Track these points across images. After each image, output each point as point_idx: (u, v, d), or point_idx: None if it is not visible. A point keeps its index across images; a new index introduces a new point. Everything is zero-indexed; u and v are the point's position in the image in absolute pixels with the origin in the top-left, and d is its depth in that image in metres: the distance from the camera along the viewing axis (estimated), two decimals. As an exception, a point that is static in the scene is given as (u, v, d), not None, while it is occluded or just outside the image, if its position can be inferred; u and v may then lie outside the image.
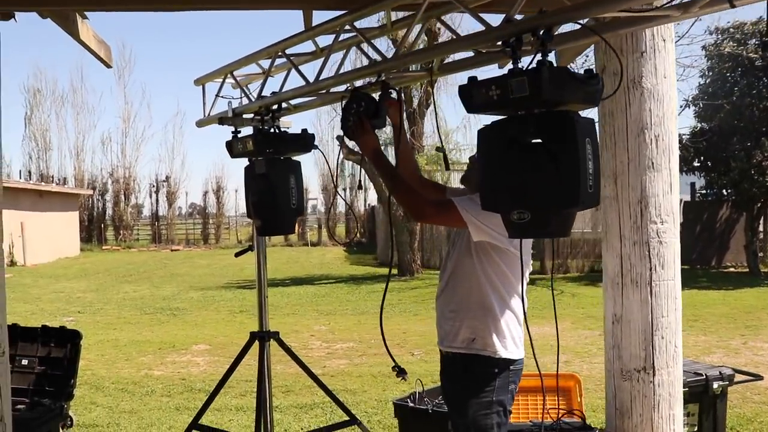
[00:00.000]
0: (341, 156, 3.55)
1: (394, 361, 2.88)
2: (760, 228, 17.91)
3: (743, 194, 15.12)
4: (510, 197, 2.22)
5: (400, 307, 12.09)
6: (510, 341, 2.78)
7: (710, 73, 16.31)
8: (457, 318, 2.81)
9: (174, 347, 8.74)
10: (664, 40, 3.33)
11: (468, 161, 2.94)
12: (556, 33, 2.28)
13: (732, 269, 17.96)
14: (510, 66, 2.24)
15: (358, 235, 31.42)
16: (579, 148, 2.08)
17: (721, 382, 4.23)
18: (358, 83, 3.18)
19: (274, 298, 13.58)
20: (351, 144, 3.14)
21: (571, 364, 7.57)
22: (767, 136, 15.41)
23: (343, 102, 2.89)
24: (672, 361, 3.33)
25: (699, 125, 16.98)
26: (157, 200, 34.17)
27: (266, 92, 3.54)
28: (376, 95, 2.85)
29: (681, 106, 16.49)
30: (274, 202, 3.42)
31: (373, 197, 28.41)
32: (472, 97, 2.24)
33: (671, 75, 3.38)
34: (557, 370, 2.93)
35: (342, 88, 3.37)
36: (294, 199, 3.41)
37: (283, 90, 3.45)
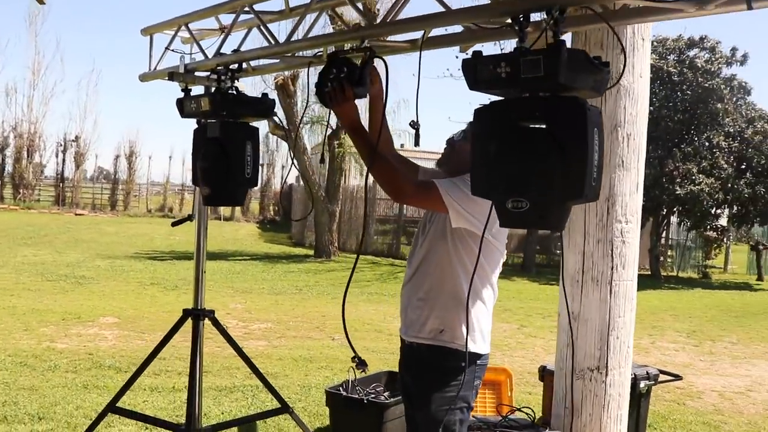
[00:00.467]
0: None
1: (354, 351, 2.69)
2: (663, 234, 18.83)
3: (653, 200, 15.77)
4: (507, 184, 2.07)
5: (317, 290, 11.88)
6: (479, 334, 2.65)
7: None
8: (426, 307, 2.65)
9: (80, 318, 8.17)
10: (643, 39, 3.28)
11: (445, 144, 2.78)
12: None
13: (635, 272, 18.77)
14: (500, 48, 2.10)
15: (272, 212, 30.85)
16: (588, 138, 1.96)
17: (647, 381, 4.29)
18: (332, 49, 2.96)
19: (188, 272, 13.07)
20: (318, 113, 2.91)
21: (491, 357, 7.58)
22: (679, 147, 16.13)
23: (315, 71, 2.66)
24: (624, 361, 3.32)
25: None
26: (63, 160, 32.16)
27: (224, 50, 3.26)
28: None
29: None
30: (226, 169, 3.14)
31: (293, 174, 27.94)
32: (477, 72, 2.08)
33: (646, 75, 3.34)
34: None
35: (311, 53, 3.14)
36: (249, 168, 3.14)
37: (245, 49, 3.19)
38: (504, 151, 2.07)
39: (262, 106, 3.24)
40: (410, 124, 2.56)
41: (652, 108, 16.19)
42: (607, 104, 3.24)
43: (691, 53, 16.70)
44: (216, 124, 3.18)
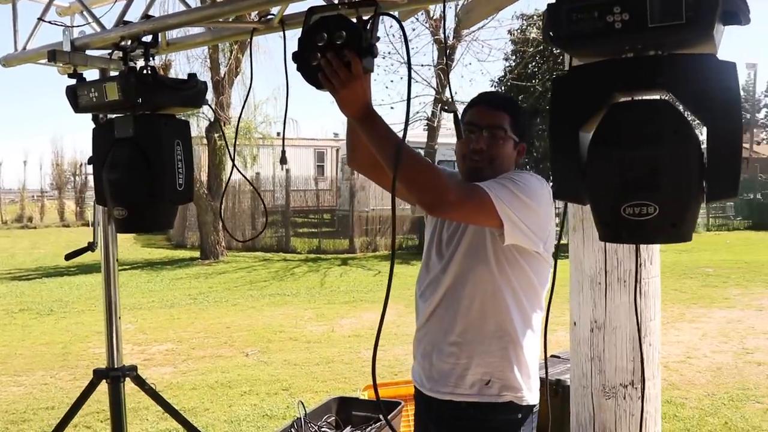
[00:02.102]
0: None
1: (379, 406, 1.97)
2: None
3: (543, 173, 15.87)
4: (627, 183, 1.43)
5: (214, 297, 10.83)
6: (534, 378, 2.00)
7: (514, 57, 16.89)
8: (463, 353, 1.96)
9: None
10: None
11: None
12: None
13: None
14: None
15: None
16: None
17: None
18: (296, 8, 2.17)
19: (61, 291, 11.56)
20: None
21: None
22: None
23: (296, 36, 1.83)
24: (657, 370, 2.80)
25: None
26: None
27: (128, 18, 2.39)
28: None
29: (490, 87, 16.95)
30: (148, 180, 2.28)
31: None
32: (570, 22, 1.42)
33: None
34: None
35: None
36: (180, 177, 2.30)
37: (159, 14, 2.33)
38: (624, 138, 1.43)
39: (191, 92, 2.39)
40: (444, 108, 1.84)
41: (535, 82, 16.32)
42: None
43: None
44: (128, 119, 2.32)
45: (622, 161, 1.42)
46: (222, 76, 14.50)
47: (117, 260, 2.79)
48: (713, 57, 1.40)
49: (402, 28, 1.79)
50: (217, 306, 10.03)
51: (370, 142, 1.75)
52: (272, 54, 16.15)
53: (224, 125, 14.60)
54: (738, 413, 4.91)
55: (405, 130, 1.65)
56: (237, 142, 15.34)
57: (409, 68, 1.84)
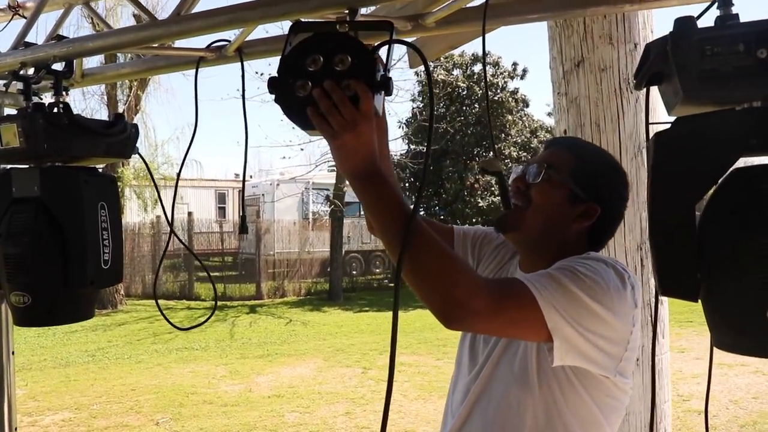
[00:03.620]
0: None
1: None
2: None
3: (456, 214, 15.81)
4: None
5: (114, 353, 9.84)
6: None
7: (421, 98, 16.89)
8: None
9: None
10: (652, 32, 2.45)
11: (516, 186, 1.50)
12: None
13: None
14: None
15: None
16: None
17: None
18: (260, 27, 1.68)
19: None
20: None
21: (353, 415, 6.51)
22: (475, 159, 16.42)
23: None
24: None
25: (413, 148, 17.44)
26: None
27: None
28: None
29: (398, 128, 16.88)
30: (61, 258, 1.71)
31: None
32: (701, 58, 1.03)
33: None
34: None
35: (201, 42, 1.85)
36: (107, 252, 1.74)
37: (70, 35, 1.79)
38: (755, 213, 1.04)
39: (118, 138, 1.84)
40: (483, 169, 1.40)
41: (443, 123, 16.34)
42: (626, 120, 2.35)
43: (476, 68, 17.12)
44: (32, 173, 1.73)
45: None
46: (121, 114, 13.57)
47: (13, 354, 2.16)
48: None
49: (425, 62, 1.32)
50: (119, 364, 9.07)
51: (370, 210, 1.25)
52: (175, 92, 15.40)
53: (123, 166, 13.64)
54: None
55: (416, 208, 1.18)
56: (136, 183, 14.42)
57: (431, 115, 1.38)
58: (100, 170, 1.84)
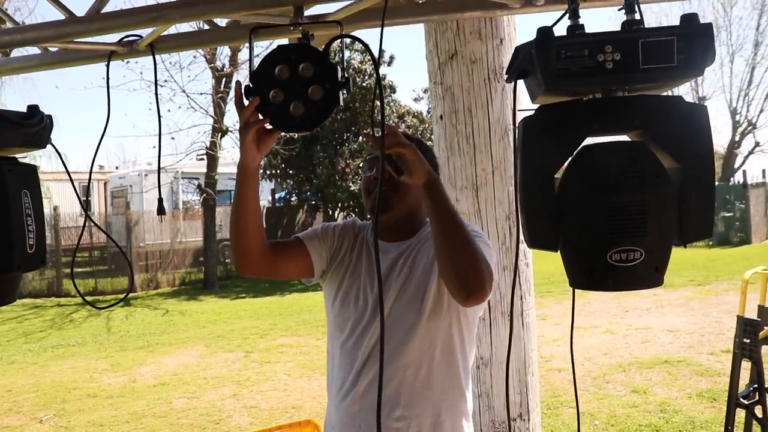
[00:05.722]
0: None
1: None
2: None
3: (329, 198, 16.08)
4: (613, 228, 1.39)
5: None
6: None
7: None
8: (414, 424, 1.74)
9: None
10: (515, 29, 2.81)
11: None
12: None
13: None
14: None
15: None
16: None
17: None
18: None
19: None
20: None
21: (241, 396, 6.65)
22: (345, 144, 16.74)
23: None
24: (538, 399, 2.84)
25: (283, 134, 17.44)
26: None
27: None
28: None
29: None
30: (-13, 241, 1.79)
31: None
32: (559, 60, 1.35)
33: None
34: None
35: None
36: (31, 237, 1.84)
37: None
38: (611, 182, 1.37)
39: (35, 129, 1.93)
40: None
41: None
42: (494, 104, 2.70)
43: (346, 54, 17.36)
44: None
45: (609, 206, 1.37)
46: (35, 105, 12.61)
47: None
48: (682, 99, 1.41)
49: (371, 53, 1.61)
50: (-15, 365, 8.61)
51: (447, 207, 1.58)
52: (34, 81, 14.50)
53: None
54: (559, 420, 5.26)
55: (381, 169, 1.44)
56: None
57: (382, 101, 1.63)
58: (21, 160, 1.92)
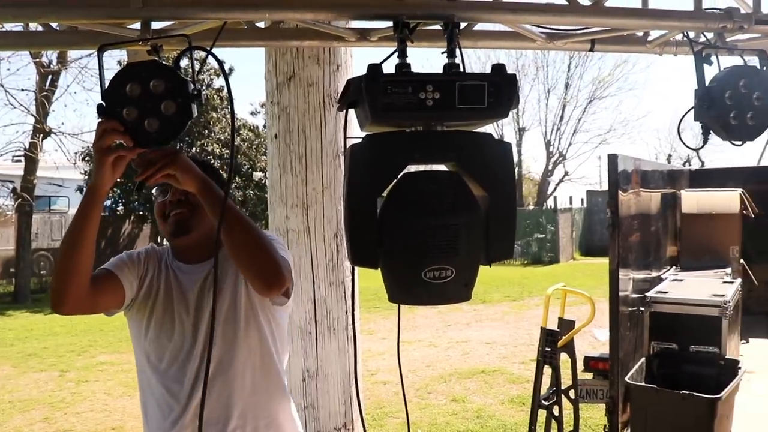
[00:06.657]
0: None
1: None
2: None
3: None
4: (427, 249, 1.54)
5: None
6: None
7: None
8: (249, 430, 1.81)
9: None
10: (351, 56, 2.96)
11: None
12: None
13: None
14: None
15: None
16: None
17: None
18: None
19: None
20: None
21: (53, 420, 6.21)
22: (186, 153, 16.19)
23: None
24: (361, 408, 2.97)
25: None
26: None
27: None
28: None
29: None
30: None
31: None
32: (386, 95, 1.51)
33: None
34: None
35: None
36: None
37: None
38: (428, 207, 1.52)
39: None
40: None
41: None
42: (327, 127, 2.82)
43: (184, 62, 16.80)
44: None
45: (425, 229, 1.52)
46: None
47: None
48: (491, 135, 1.60)
49: (220, 63, 1.65)
50: None
51: (218, 215, 1.56)
52: None
53: None
54: (383, 430, 5.47)
55: (230, 172, 1.48)
56: None
57: (232, 111, 1.66)
58: None
